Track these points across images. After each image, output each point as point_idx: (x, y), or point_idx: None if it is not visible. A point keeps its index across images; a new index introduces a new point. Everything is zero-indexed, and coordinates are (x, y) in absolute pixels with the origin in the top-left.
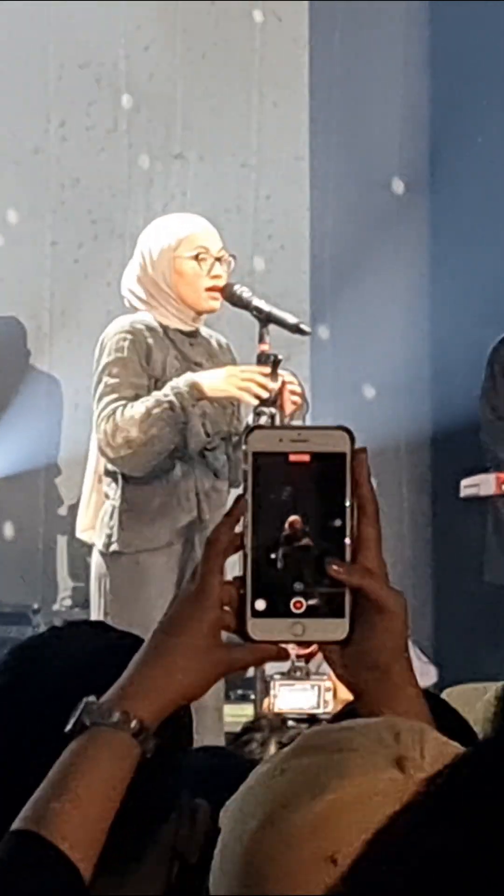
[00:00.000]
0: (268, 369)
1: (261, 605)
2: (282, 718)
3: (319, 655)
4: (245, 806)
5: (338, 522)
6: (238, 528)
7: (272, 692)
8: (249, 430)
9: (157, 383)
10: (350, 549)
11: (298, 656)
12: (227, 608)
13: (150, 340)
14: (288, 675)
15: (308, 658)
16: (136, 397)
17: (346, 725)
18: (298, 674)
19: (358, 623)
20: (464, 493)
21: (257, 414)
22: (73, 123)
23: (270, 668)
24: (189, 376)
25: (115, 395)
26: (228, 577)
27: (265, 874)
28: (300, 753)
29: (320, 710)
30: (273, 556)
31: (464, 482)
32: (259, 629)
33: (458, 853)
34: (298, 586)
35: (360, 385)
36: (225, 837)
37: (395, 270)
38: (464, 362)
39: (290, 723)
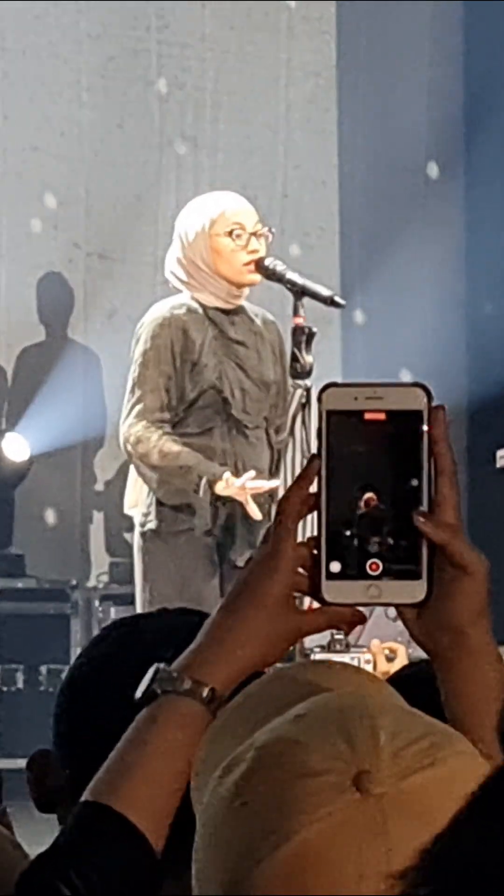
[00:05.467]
0: (275, 483)
1: (335, 566)
2: None
3: (358, 628)
4: (210, 844)
5: (414, 482)
6: (311, 489)
7: None
8: (323, 387)
9: (195, 367)
10: (428, 507)
11: (337, 628)
12: (300, 570)
13: (187, 326)
14: (327, 648)
15: (347, 630)
16: (166, 391)
17: (297, 734)
18: (338, 646)
19: (436, 584)
20: (500, 463)
21: (293, 388)
22: (105, 104)
23: (310, 640)
24: (213, 470)
25: (141, 393)
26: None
27: None
28: (258, 777)
29: None
30: (348, 517)
31: (500, 452)
32: (334, 592)
33: None
34: (374, 547)
35: (394, 369)
36: (198, 876)
37: (426, 254)
38: (498, 340)
39: None
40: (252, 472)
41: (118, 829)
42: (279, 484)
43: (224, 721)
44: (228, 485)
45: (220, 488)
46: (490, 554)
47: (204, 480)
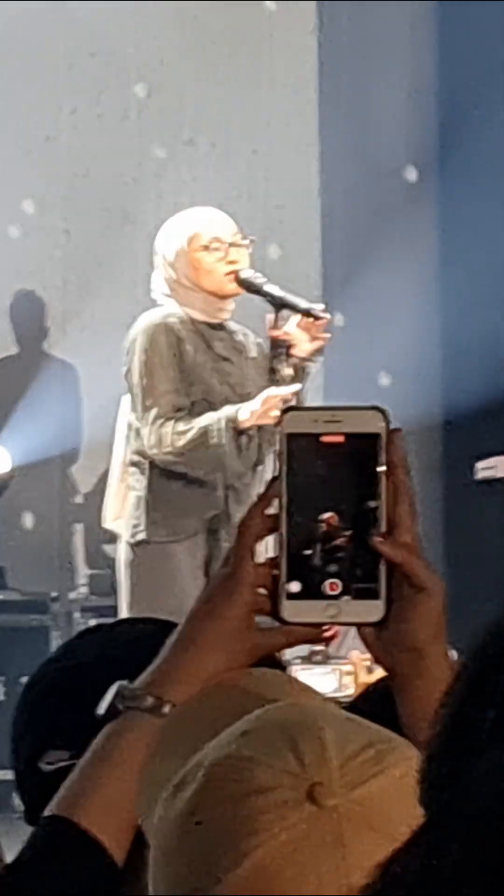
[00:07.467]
0: (294, 388)
1: (295, 587)
2: None
3: (338, 639)
4: (166, 863)
5: (372, 503)
6: (271, 510)
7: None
8: (283, 410)
9: (188, 378)
10: (386, 528)
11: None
12: (260, 590)
13: (182, 335)
14: (307, 660)
15: (327, 642)
16: (176, 393)
17: (245, 750)
18: (318, 658)
19: (395, 604)
20: (480, 475)
21: (273, 370)
22: (85, 112)
23: (289, 652)
24: (228, 410)
25: (153, 400)
26: (261, 559)
27: None
28: (211, 796)
29: (340, 694)
30: (307, 538)
31: (479, 464)
32: (293, 611)
33: None
34: (333, 568)
35: (374, 373)
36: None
37: (406, 258)
38: (476, 347)
39: None
40: (266, 393)
41: (80, 843)
42: (299, 387)
43: (168, 737)
44: (249, 414)
45: (245, 419)
46: (467, 566)
47: (223, 424)
